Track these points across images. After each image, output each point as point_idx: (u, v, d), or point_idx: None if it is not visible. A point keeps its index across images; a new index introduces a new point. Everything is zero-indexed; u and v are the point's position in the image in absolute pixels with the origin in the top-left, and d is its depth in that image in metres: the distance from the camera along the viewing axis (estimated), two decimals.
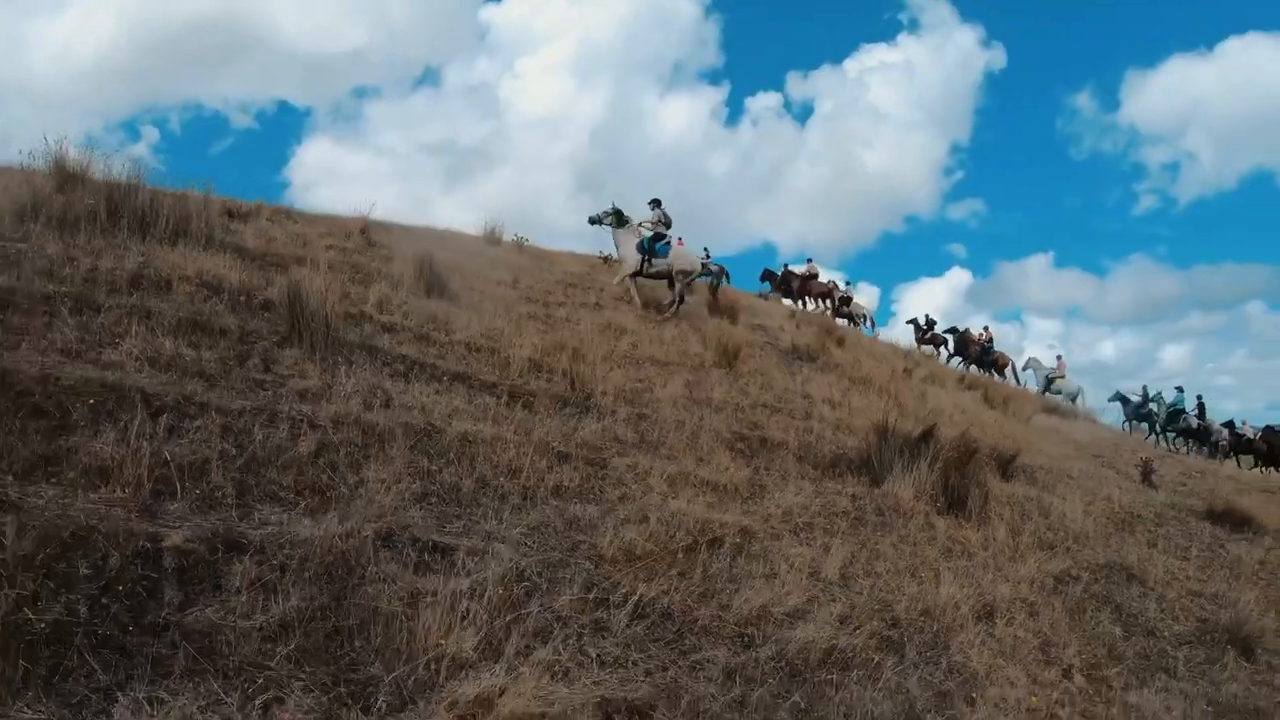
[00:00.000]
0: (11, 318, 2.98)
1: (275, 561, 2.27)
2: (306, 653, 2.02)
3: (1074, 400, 15.21)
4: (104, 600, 1.93)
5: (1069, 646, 3.88)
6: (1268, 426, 13.88)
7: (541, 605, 2.47)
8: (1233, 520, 7.61)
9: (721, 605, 2.89)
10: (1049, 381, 15.67)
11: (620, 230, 8.79)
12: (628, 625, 2.54)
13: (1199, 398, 14.66)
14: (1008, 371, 15.95)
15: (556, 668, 2.21)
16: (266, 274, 4.48)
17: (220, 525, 2.35)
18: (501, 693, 1.98)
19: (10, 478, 2.25)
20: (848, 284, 16.92)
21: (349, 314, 4.36)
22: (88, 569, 2.00)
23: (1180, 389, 14.63)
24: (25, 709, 1.66)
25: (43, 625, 1.78)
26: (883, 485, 4.89)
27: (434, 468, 3.12)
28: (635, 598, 2.66)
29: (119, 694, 1.76)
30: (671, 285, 8.48)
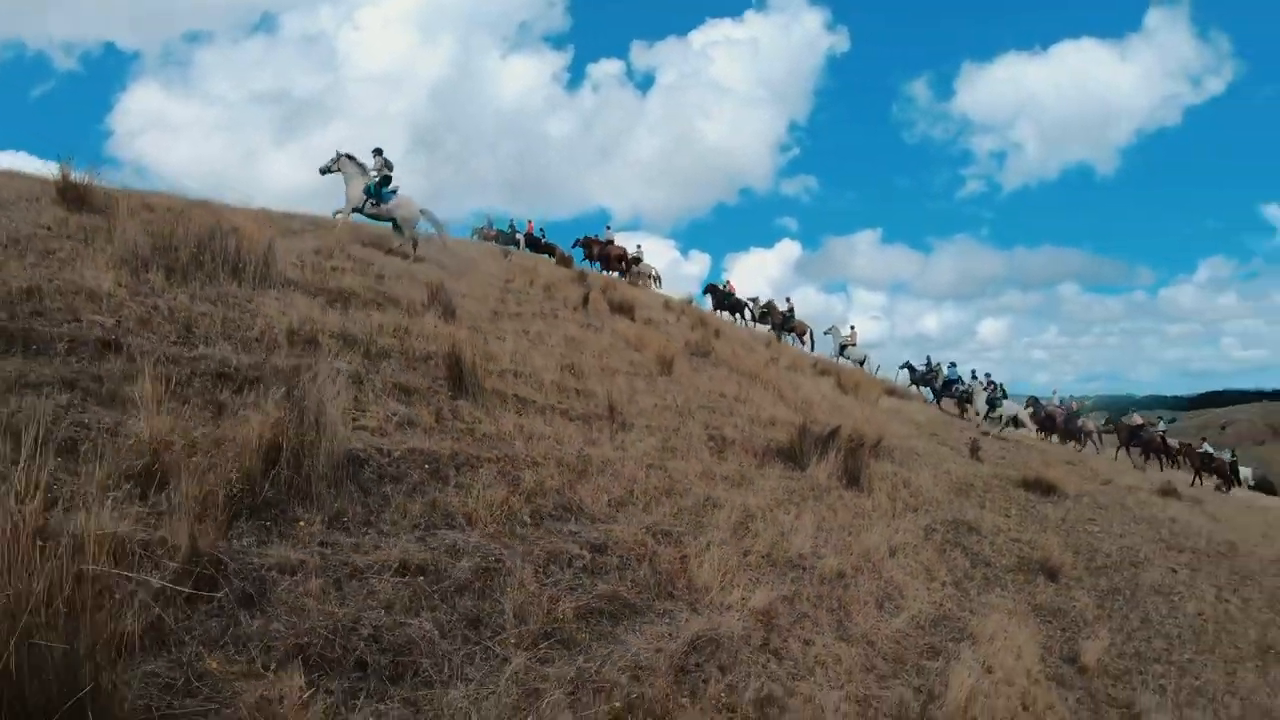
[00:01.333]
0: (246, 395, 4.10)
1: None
2: None
3: (862, 365, 20.46)
4: None
5: (941, 571, 6.66)
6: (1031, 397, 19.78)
7: None
8: (1041, 487, 11.45)
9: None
10: (842, 348, 21.03)
11: (353, 174, 11.00)
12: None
13: (988, 375, 19.97)
14: (806, 338, 21.21)
15: None
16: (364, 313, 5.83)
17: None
18: None
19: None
20: (638, 247, 21.81)
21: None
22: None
23: (954, 364, 19.77)
24: None
25: None
26: (806, 470, 7.42)
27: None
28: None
29: None
30: (398, 230, 10.91)
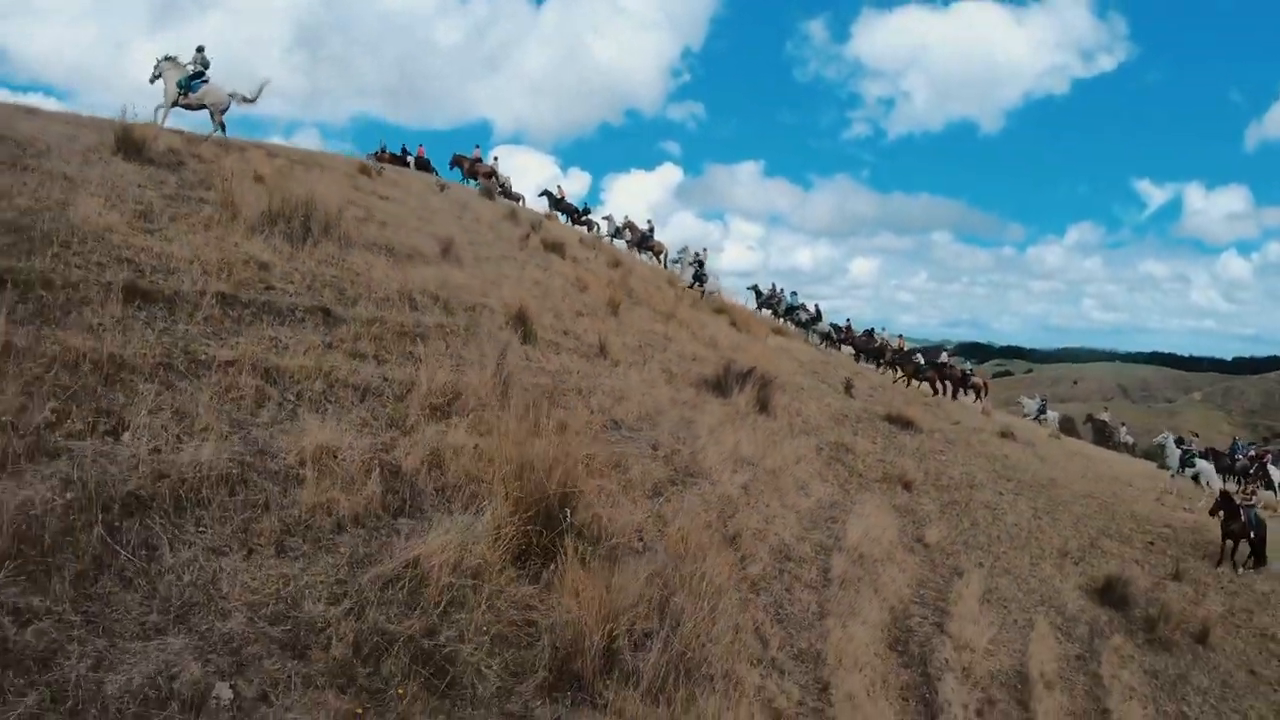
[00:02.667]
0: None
1: None
2: None
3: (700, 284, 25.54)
4: None
5: (830, 476, 10.57)
6: (867, 330, 25.73)
7: None
8: (901, 422, 15.91)
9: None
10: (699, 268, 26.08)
11: (169, 71, 13.71)
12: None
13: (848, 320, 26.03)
14: (663, 257, 26.28)
15: None
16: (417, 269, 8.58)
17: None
18: None
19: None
20: (495, 159, 27.50)
21: None
22: None
23: (795, 293, 26.05)
24: None
25: None
26: (730, 398, 11.03)
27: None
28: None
29: None
30: (213, 118, 13.82)
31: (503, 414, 5.26)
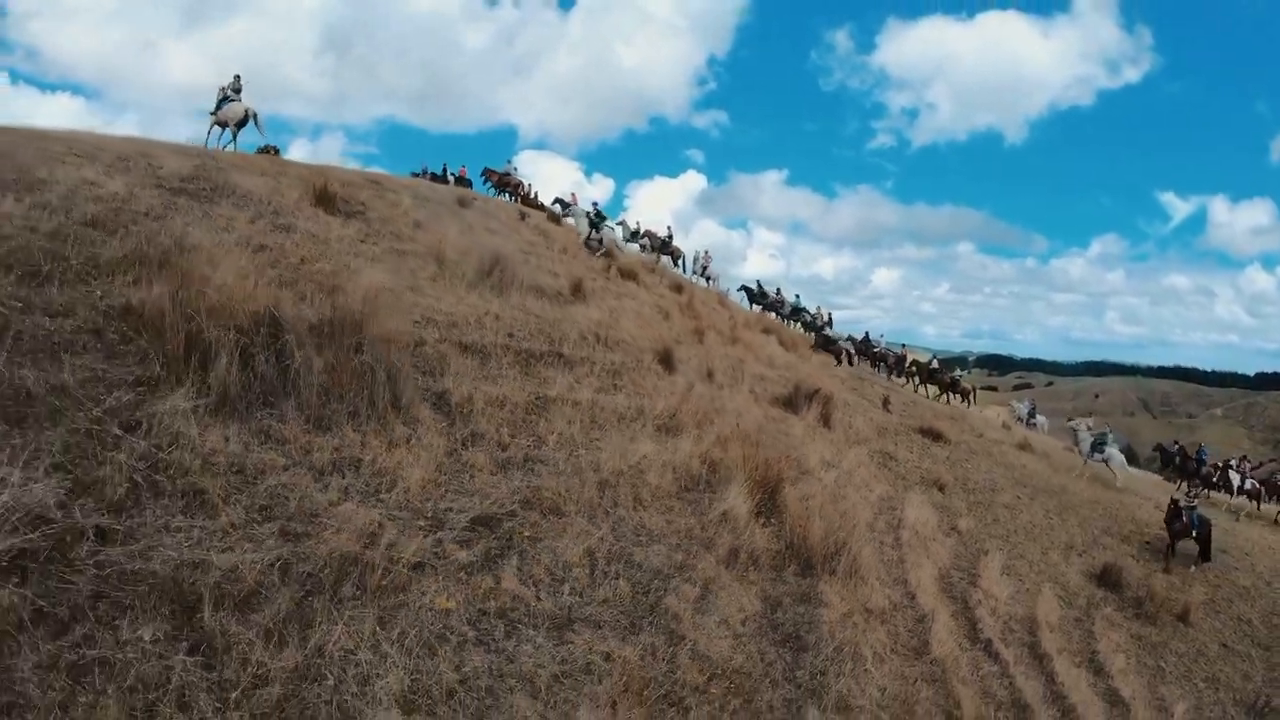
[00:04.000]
0: None
1: None
2: None
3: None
4: None
5: (881, 478, 14.12)
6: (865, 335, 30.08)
7: None
8: (932, 434, 19.54)
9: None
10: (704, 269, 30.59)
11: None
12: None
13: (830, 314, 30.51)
14: (681, 262, 30.24)
15: None
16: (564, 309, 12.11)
17: None
18: None
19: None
20: (512, 165, 32.02)
21: None
22: None
23: (798, 295, 30.61)
24: None
25: None
26: (799, 414, 14.58)
27: None
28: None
29: None
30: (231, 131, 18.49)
31: (706, 429, 8.82)
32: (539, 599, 5.07)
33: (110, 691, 3.41)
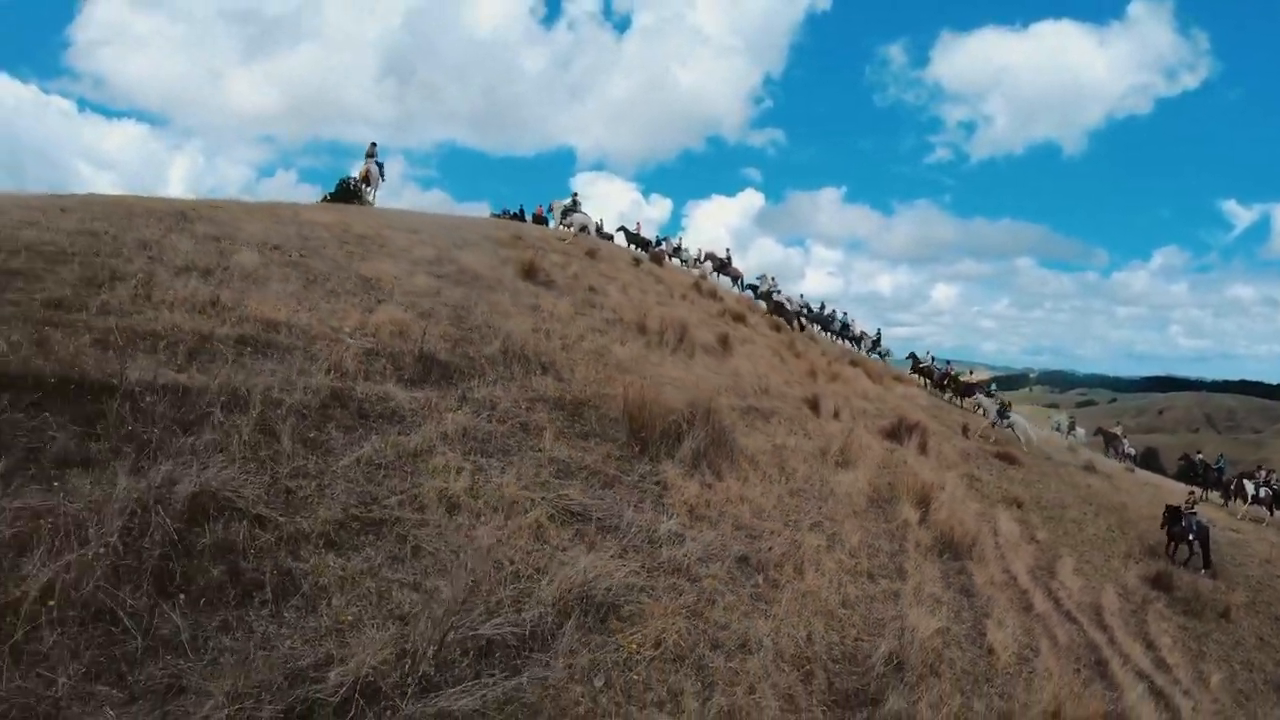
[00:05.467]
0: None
1: None
2: None
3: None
4: None
5: (973, 498, 18.58)
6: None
7: None
8: (1008, 458, 23.85)
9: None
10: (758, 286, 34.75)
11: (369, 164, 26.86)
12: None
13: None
14: (740, 282, 34.82)
15: None
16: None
17: None
18: None
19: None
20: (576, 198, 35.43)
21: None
22: None
23: (802, 295, 35.53)
24: None
25: None
26: (903, 444, 19.04)
27: None
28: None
29: None
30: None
31: (862, 461, 13.41)
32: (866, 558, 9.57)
33: None
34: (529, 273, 16.47)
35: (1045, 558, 17.11)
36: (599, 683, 4.49)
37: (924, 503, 12.11)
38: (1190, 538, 21.66)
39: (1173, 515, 21.78)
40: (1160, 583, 20.20)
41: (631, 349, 13.20)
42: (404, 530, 5.29)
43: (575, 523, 6.22)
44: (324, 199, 51.25)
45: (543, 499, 6.30)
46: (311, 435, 6.15)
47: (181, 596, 4.10)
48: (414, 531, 5.29)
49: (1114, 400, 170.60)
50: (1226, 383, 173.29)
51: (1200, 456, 32.80)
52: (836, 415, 17.14)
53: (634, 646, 4.89)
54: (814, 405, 16.10)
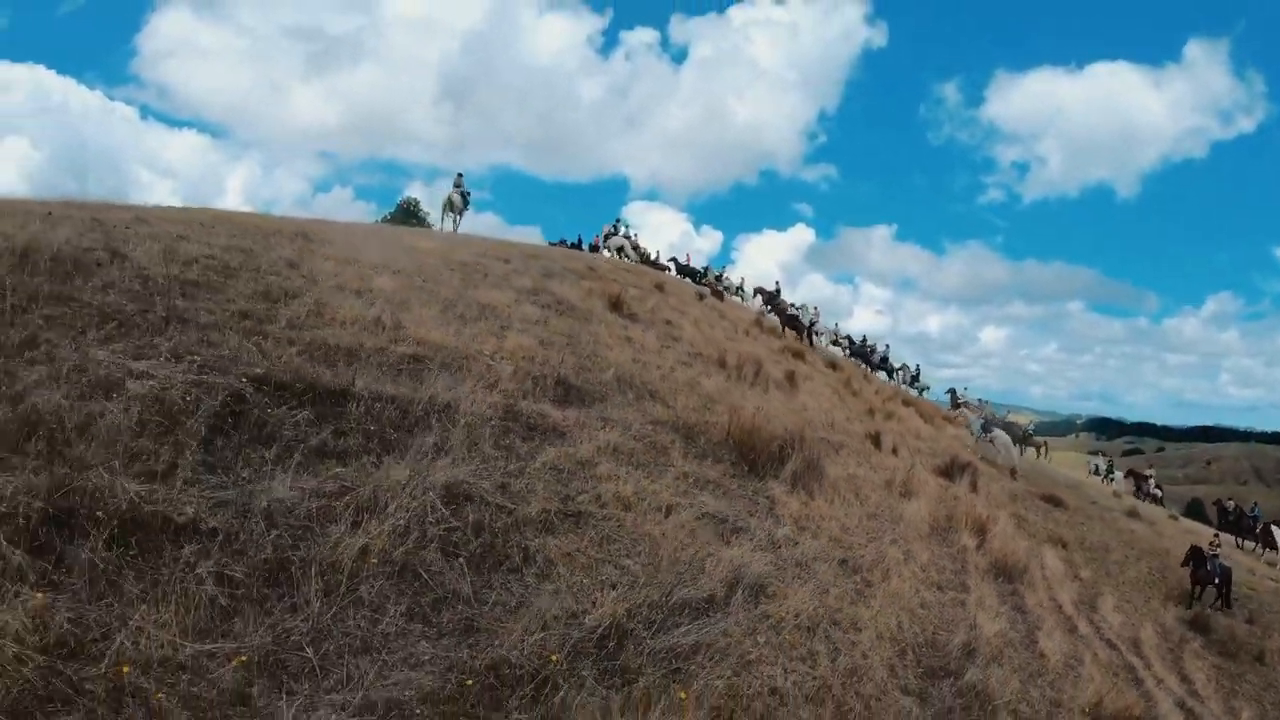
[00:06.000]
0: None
1: None
2: None
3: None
4: None
5: (1021, 536, 20.19)
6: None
7: None
8: (1054, 500, 25.42)
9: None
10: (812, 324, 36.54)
11: (453, 194, 28.96)
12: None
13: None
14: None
15: None
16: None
17: None
18: None
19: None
20: (620, 225, 38.10)
21: None
22: None
23: (836, 324, 38.84)
24: None
25: None
26: (956, 482, 20.67)
27: None
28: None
29: None
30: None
31: (922, 493, 15.09)
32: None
33: None
34: (615, 305, 18.22)
35: (1088, 594, 18.60)
36: (760, 640, 6.20)
37: (980, 532, 13.70)
38: (1215, 580, 22.89)
39: (1196, 556, 22.95)
40: (1198, 624, 21.60)
41: (717, 381, 14.90)
42: (595, 522, 6.99)
43: (713, 523, 7.94)
44: (383, 218, 53.44)
45: (688, 504, 8.03)
46: (505, 442, 7.91)
47: (460, 560, 5.79)
48: (602, 524, 6.99)
49: (1161, 449, 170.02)
50: (1276, 434, 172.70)
51: (1232, 503, 34.46)
52: (895, 451, 18.74)
53: (780, 615, 6.63)
54: (876, 441, 17.75)
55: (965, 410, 32.48)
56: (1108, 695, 9.42)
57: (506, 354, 10.68)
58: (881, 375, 37.11)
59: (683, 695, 4.85)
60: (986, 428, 29.72)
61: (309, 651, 4.19)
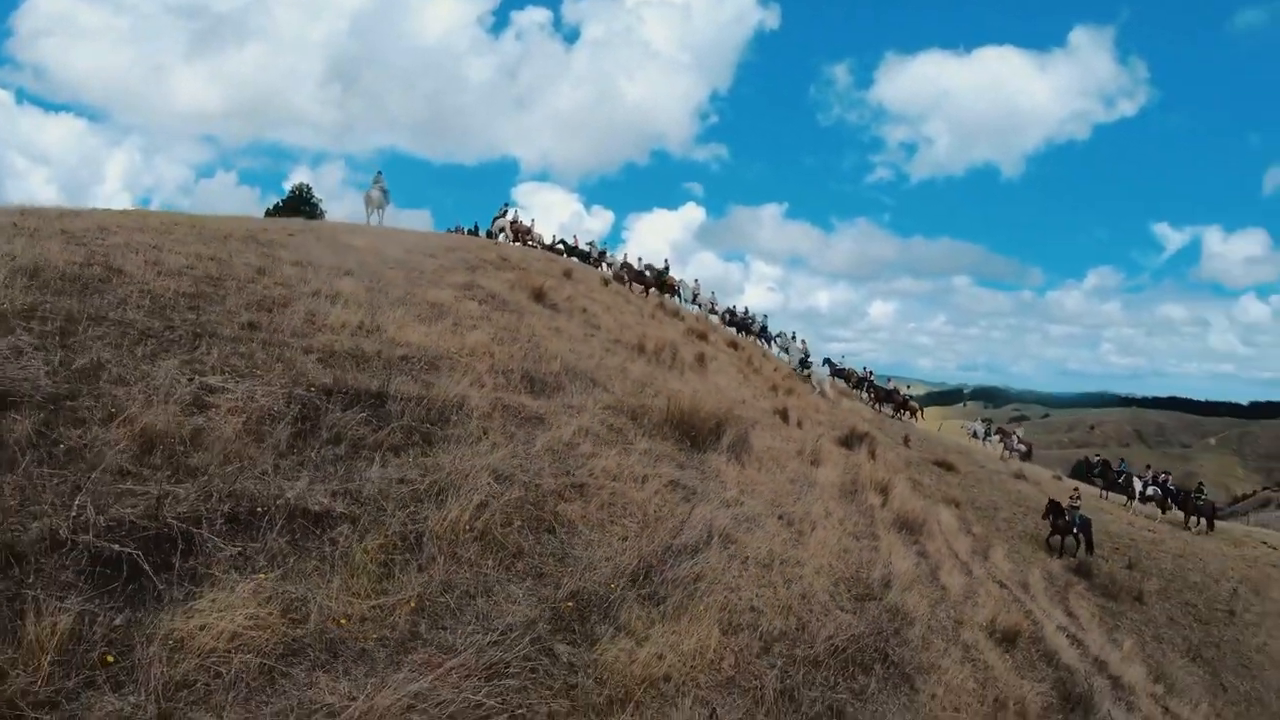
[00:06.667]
0: None
1: None
2: None
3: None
4: None
5: (917, 498, 22.86)
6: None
7: None
8: (946, 465, 28.38)
9: None
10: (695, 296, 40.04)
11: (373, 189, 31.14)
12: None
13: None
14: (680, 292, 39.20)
15: None
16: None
17: None
18: None
19: None
20: (507, 209, 40.04)
21: None
22: None
23: (714, 293, 41.27)
24: None
25: None
26: (855, 451, 23.22)
27: None
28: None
29: None
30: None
31: (828, 461, 17.41)
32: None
33: None
34: (538, 297, 20.07)
35: (980, 545, 21.34)
36: (735, 573, 8.23)
37: (883, 493, 16.06)
38: (1074, 530, 26.03)
39: (1055, 509, 26.11)
40: (1082, 570, 24.72)
41: (641, 367, 16.85)
42: (594, 491, 8.74)
43: (677, 490, 9.82)
44: (275, 207, 53.55)
45: (655, 474, 9.89)
46: (508, 430, 9.67)
47: (516, 525, 7.61)
48: (599, 493, 8.74)
49: (1046, 416, 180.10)
50: (1156, 399, 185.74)
51: (1099, 457, 38.90)
52: (800, 425, 21.10)
53: (745, 556, 8.68)
54: (784, 416, 20.04)
55: (784, 346, 37.37)
56: (1000, 615, 11.81)
57: (470, 351, 12.24)
58: (765, 344, 40.14)
59: (700, 609, 6.85)
60: (805, 363, 33.50)
61: (447, 598, 5.92)
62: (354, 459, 7.44)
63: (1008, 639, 11.40)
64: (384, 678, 4.63)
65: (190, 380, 7.58)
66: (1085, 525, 26.35)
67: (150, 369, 7.63)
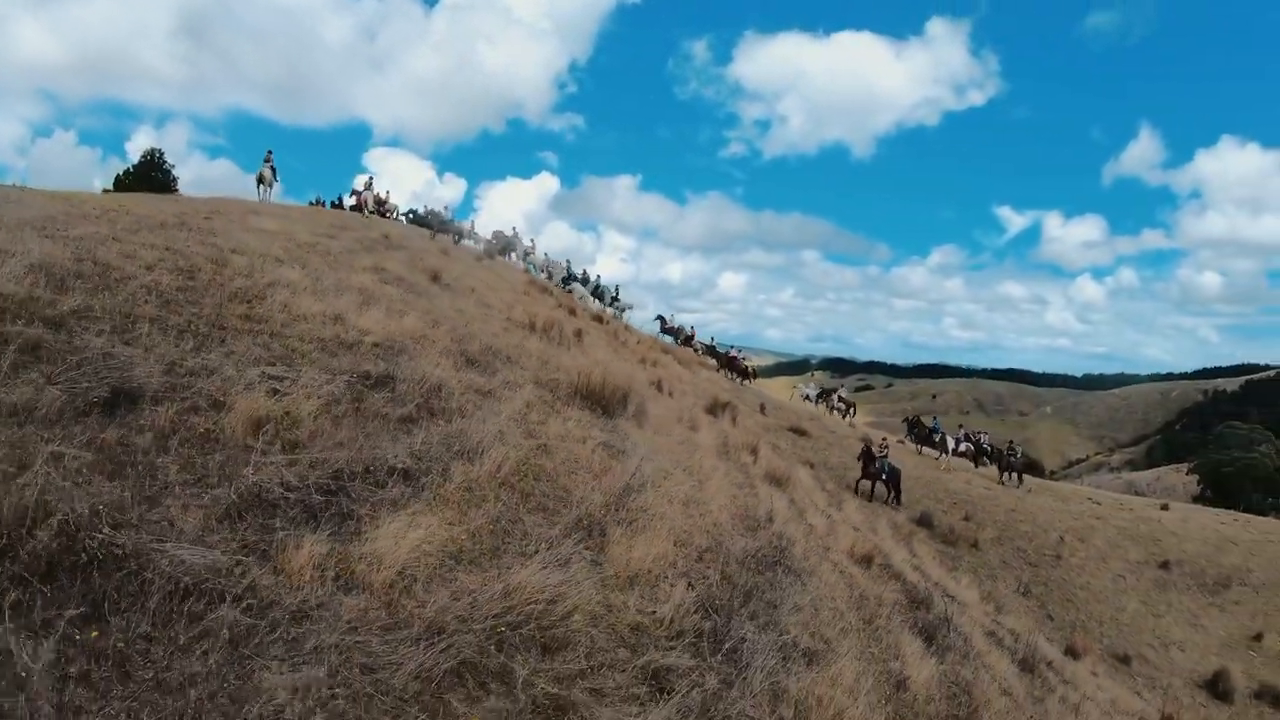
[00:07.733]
0: None
1: None
2: None
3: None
4: None
5: (779, 461, 26.76)
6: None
7: None
8: (799, 431, 32.50)
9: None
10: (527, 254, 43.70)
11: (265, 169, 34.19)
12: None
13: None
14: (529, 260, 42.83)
15: None
16: None
17: None
18: None
19: None
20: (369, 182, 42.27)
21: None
22: None
23: (546, 254, 44.97)
24: None
25: None
26: (719, 418, 26.91)
27: None
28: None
29: None
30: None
31: (704, 426, 20.92)
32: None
33: None
34: (435, 278, 22.91)
35: (835, 500, 25.33)
36: (663, 505, 11.42)
37: (754, 453, 19.74)
38: (883, 477, 30.08)
39: (867, 455, 30.12)
40: (924, 521, 29.15)
41: (536, 344, 19.67)
42: (556, 450, 11.44)
43: (607, 449, 12.80)
44: (123, 175, 52.96)
45: (589, 437, 12.86)
46: (479, 404, 12.54)
47: (520, 474, 10.55)
48: (560, 451, 11.58)
49: (890, 385, 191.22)
50: (995, 371, 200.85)
51: (915, 416, 46.02)
52: (671, 395, 24.62)
53: (670, 496, 11.89)
54: (659, 386, 23.51)
55: (572, 287, 41.79)
56: (857, 545, 15.61)
57: (412, 336, 14.24)
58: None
59: (654, 530, 10.10)
60: (567, 281, 38.34)
61: (503, 522, 8.45)
62: (399, 430, 9.70)
63: (865, 561, 15.11)
64: (499, 572, 7.26)
65: (261, 374, 9.66)
66: (894, 475, 30.45)
67: (202, 361, 9.42)
